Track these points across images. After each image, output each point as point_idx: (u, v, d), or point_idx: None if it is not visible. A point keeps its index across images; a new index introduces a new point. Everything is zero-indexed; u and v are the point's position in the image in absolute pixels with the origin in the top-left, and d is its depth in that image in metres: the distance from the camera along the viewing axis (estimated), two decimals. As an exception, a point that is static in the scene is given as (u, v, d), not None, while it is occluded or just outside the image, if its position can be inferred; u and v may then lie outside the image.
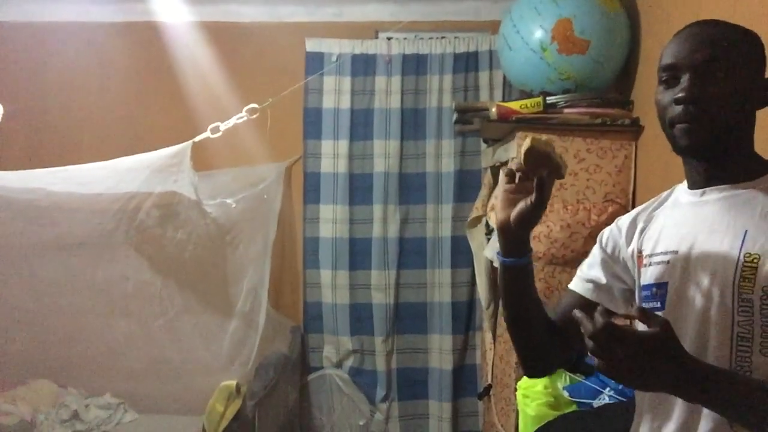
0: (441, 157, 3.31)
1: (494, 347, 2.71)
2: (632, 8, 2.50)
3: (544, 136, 1.07)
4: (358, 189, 3.33)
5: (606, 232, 1.23)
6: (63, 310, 2.22)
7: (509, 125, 2.43)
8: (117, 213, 2.20)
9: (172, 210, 2.33)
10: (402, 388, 3.34)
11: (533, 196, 1.04)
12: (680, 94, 1.00)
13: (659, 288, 1.07)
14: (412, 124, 3.32)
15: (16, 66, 3.35)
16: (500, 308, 1.17)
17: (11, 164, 2.46)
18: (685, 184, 1.11)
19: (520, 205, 1.06)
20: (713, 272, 1.00)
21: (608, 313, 1.03)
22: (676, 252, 1.06)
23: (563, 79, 2.40)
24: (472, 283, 3.18)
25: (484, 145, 3.10)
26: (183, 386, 2.61)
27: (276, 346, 2.95)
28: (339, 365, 3.35)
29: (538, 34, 2.38)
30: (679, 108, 1.01)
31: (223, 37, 3.30)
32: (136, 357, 2.57)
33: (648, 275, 1.10)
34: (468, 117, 2.60)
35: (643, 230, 1.15)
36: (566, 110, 2.40)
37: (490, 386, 2.80)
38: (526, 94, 2.64)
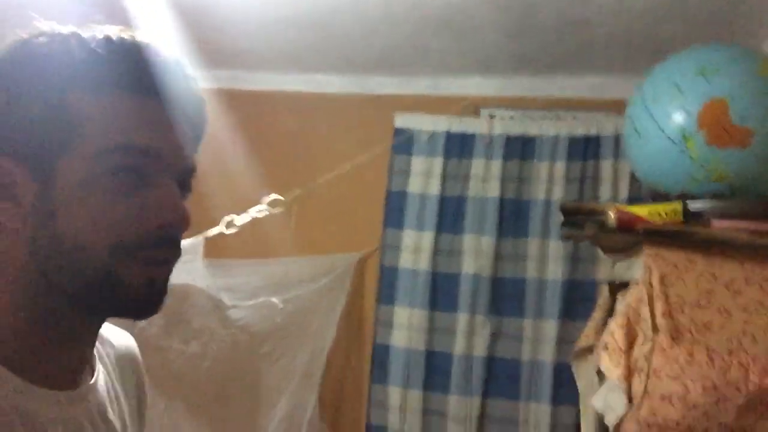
0: (546, 260, 2.69)
1: None
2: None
3: None
4: (442, 292, 2.76)
5: None
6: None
7: (633, 237, 1.82)
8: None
9: (182, 317, 1.89)
10: None
11: None
12: None
13: None
14: (512, 218, 2.74)
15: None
16: None
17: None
18: None
19: None
20: None
21: None
22: None
23: (713, 179, 1.75)
24: (577, 427, 2.47)
25: (601, 252, 2.45)
26: None
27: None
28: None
29: (679, 118, 1.75)
30: None
31: (305, 108, 2.96)
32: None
33: None
34: (578, 220, 2.02)
35: None
36: (716, 222, 1.75)
37: None
38: (660, 195, 2.00)
